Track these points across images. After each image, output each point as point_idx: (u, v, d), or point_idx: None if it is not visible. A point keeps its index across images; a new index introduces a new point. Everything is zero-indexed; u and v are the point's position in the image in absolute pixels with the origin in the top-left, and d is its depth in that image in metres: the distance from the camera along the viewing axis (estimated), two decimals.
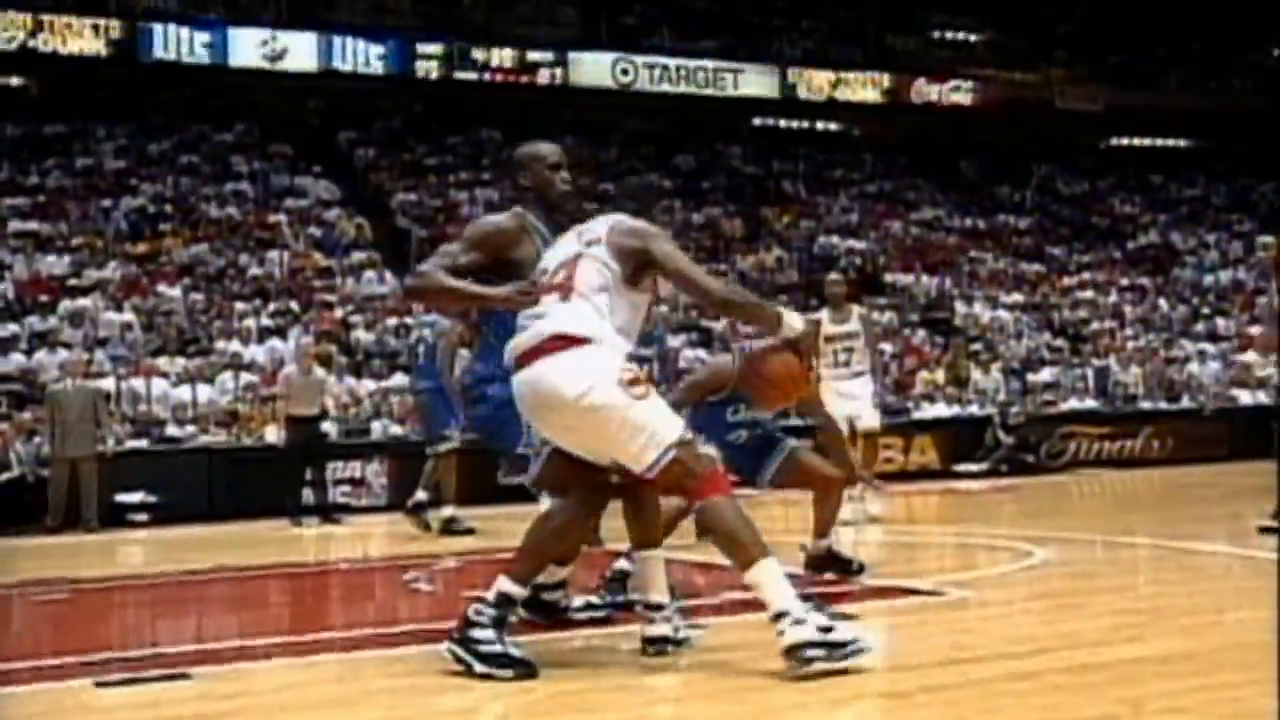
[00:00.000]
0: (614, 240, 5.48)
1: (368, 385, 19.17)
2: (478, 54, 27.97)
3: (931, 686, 4.90)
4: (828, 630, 5.10)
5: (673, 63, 29.52)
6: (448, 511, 13.00)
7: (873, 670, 5.12)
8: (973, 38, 34.17)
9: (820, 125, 32.63)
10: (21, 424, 16.80)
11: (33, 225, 22.62)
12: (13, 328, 19.55)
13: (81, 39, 25.29)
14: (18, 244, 21.96)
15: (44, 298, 20.44)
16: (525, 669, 5.28)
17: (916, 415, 20.85)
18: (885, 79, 31.36)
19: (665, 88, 29.38)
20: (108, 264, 21.79)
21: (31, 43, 24.83)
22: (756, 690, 4.97)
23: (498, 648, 5.35)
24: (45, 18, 24.92)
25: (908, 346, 23.96)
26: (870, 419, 12.53)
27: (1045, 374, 23.22)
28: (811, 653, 5.02)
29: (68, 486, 15.62)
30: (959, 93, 31.90)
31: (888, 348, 22.84)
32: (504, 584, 5.46)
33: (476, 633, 5.37)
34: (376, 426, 18.25)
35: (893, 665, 5.37)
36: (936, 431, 20.29)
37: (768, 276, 26.15)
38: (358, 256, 23.82)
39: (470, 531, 12.54)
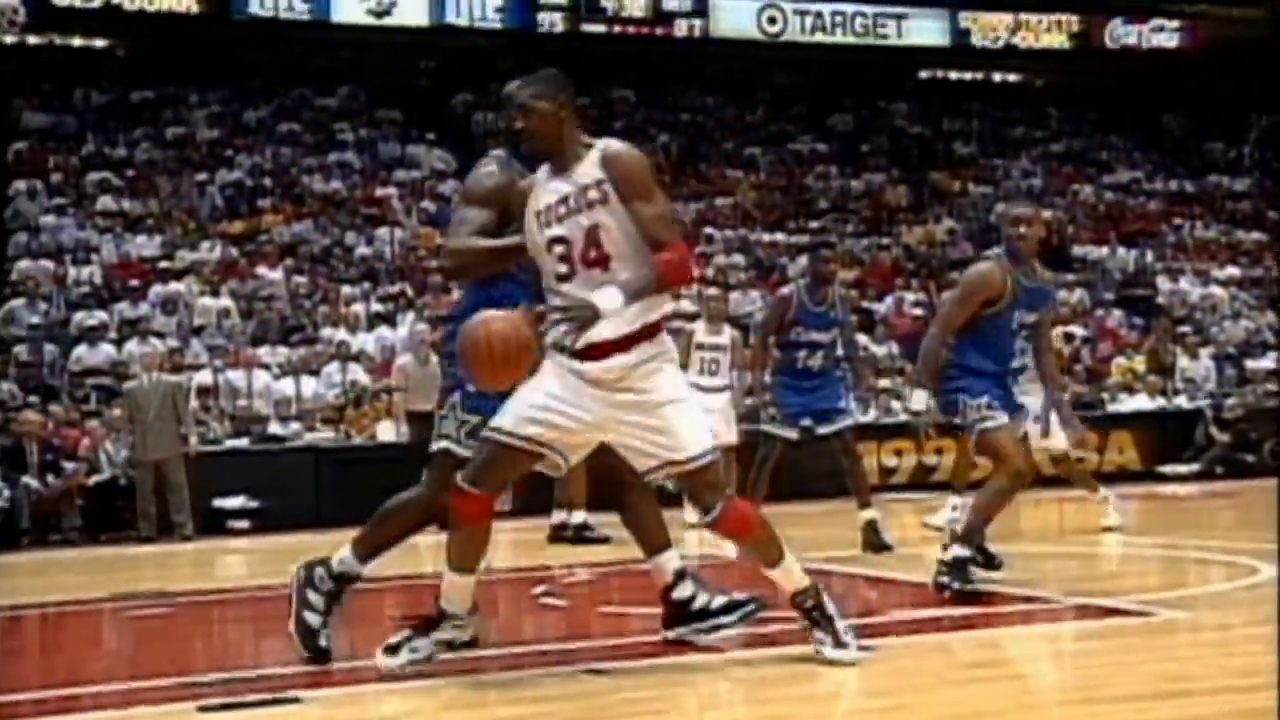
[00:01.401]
0: None
1: None
2: (607, 3, 27.98)
3: None
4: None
5: (827, 9, 29.27)
6: (578, 517, 12.97)
7: (1074, 702, 5.03)
8: None
9: (997, 76, 32.19)
10: (111, 422, 17.20)
11: (121, 203, 23.13)
12: (100, 315, 20.01)
13: None
14: (105, 224, 22.47)
15: (134, 282, 20.89)
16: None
17: (1113, 409, 20.47)
18: (1074, 21, 30.72)
19: (819, 38, 29.17)
20: (202, 245, 22.19)
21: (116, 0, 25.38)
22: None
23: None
24: None
25: (1102, 329, 23.58)
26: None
27: (1267, 360, 22.66)
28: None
29: (156, 491, 15.96)
30: (1162, 34, 31.17)
31: (1079, 331, 22.58)
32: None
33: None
34: None
35: (1095, 697, 5.27)
36: (1137, 427, 19.89)
37: (937, 251, 25.90)
38: None
39: (605, 540, 12.53)
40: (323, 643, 6.27)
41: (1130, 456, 19.53)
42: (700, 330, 14.03)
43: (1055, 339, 11.97)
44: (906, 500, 15.05)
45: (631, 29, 28.11)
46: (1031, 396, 11.34)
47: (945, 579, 7.71)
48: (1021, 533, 9.00)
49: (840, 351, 11.25)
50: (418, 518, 6.49)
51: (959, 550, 7.80)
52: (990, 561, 8.27)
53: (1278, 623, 5.41)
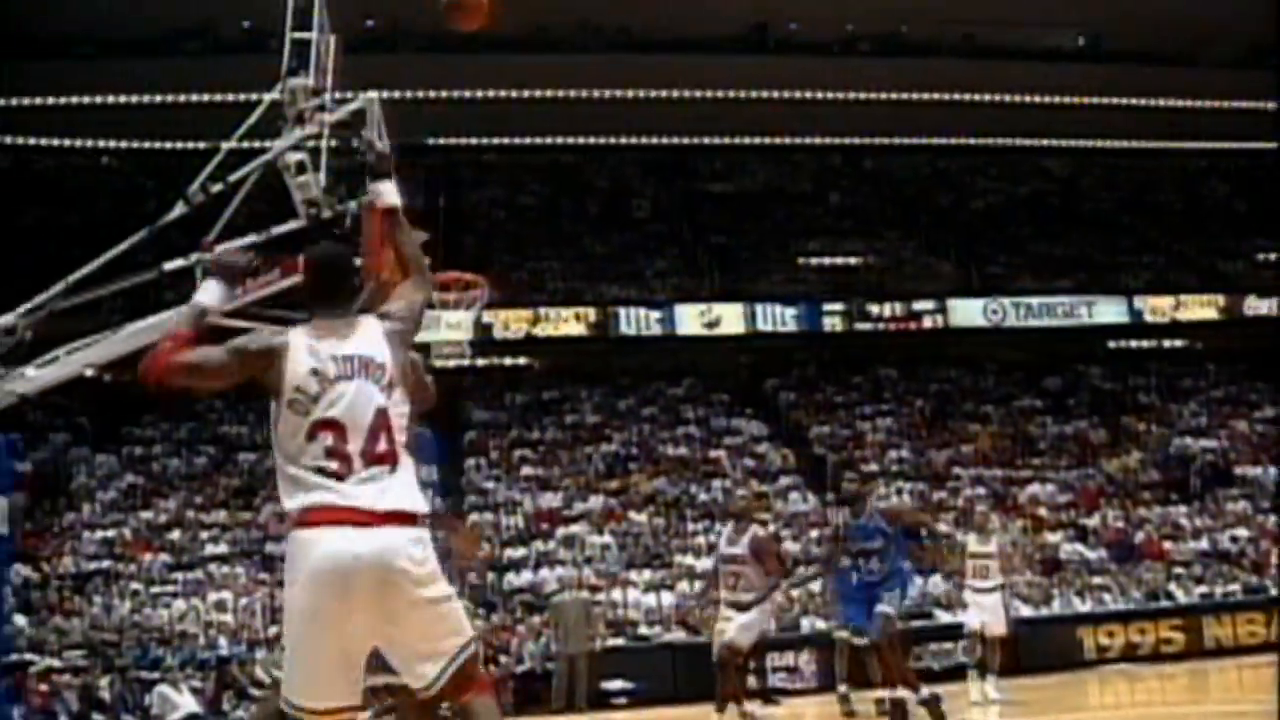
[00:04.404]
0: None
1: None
2: (872, 308, 28.04)
3: None
4: None
5: (1035, 301, 28.77)
6: (842, 689, 12.39)
7: None
8: None
9: (1167, 343, 30.99)
10: (531, 627, 17.64)
11: (536, 470, 24.00)
12: (523, 550, 20.73)
13: (568, 324, 26.91)
14: (525, 485, 23.34)
15: (545, 526, 21.58)
16: None
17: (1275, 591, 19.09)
18: (1220, 299, 29.58)
19: (1030, 322, 28.64)
20: (590, 497, 22.80)
21: (532, 330, 26.66)
22: None
23: None
24: (541, 310, 26.73)
25: (1263, 530, 22.13)
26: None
27: None
28: None
29: (567, 677, 16.19)
30: None
31: (1243, 532, 21.37)
32: None
33: None
34: (805, 622, 18.13)
35: None
36: None
37: (1132, 477, 24.81)
38: (784, 481, 24.02)
39: None
40: None
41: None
42: (972, 540, 13.36)
43: None
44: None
45: (891, 325, 28.05)
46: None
47: None
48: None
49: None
50: None
51: None
52: None
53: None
